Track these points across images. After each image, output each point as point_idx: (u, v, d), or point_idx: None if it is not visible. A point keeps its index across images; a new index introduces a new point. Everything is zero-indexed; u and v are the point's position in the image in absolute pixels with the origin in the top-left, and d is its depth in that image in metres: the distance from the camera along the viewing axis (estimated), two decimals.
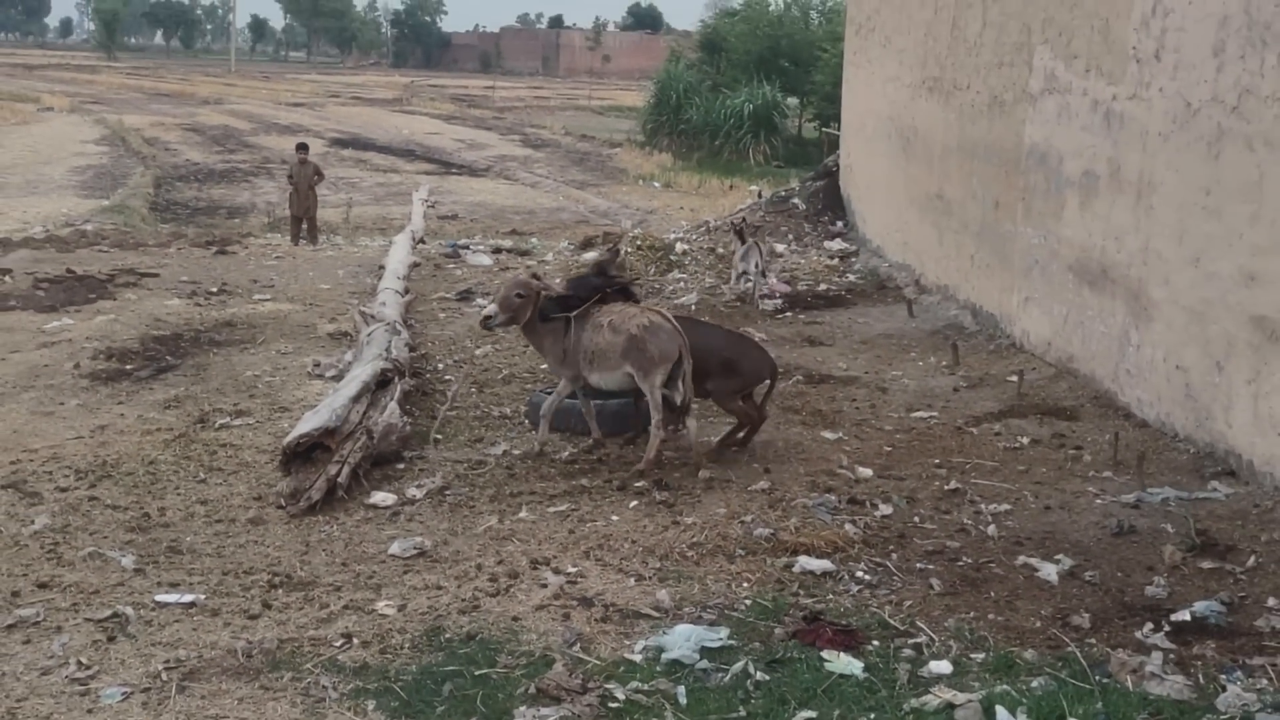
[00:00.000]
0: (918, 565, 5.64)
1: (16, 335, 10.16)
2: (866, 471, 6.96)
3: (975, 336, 10.59)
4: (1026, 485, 6.82)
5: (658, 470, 6.81)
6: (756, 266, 12.33)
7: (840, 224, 15.67)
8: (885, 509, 6.34)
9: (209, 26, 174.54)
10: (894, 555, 5.74)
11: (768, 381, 7.45)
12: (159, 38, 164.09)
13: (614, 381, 7.01)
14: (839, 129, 18.87)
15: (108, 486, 6.54)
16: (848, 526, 6.03)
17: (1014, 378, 9.03)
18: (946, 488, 6.73)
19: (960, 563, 5.69)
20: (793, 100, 40.26)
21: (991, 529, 6.11)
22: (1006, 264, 10.36)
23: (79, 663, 4.59)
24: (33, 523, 5.99)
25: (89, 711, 4.27)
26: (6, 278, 12.18)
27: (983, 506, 6.43)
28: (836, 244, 14.99)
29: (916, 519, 6.25)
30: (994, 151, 10.64)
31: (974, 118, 11.12)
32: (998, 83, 10.57)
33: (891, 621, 5.00)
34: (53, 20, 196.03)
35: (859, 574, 5.50)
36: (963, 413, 8.37)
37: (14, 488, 6.51)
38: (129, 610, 5.01)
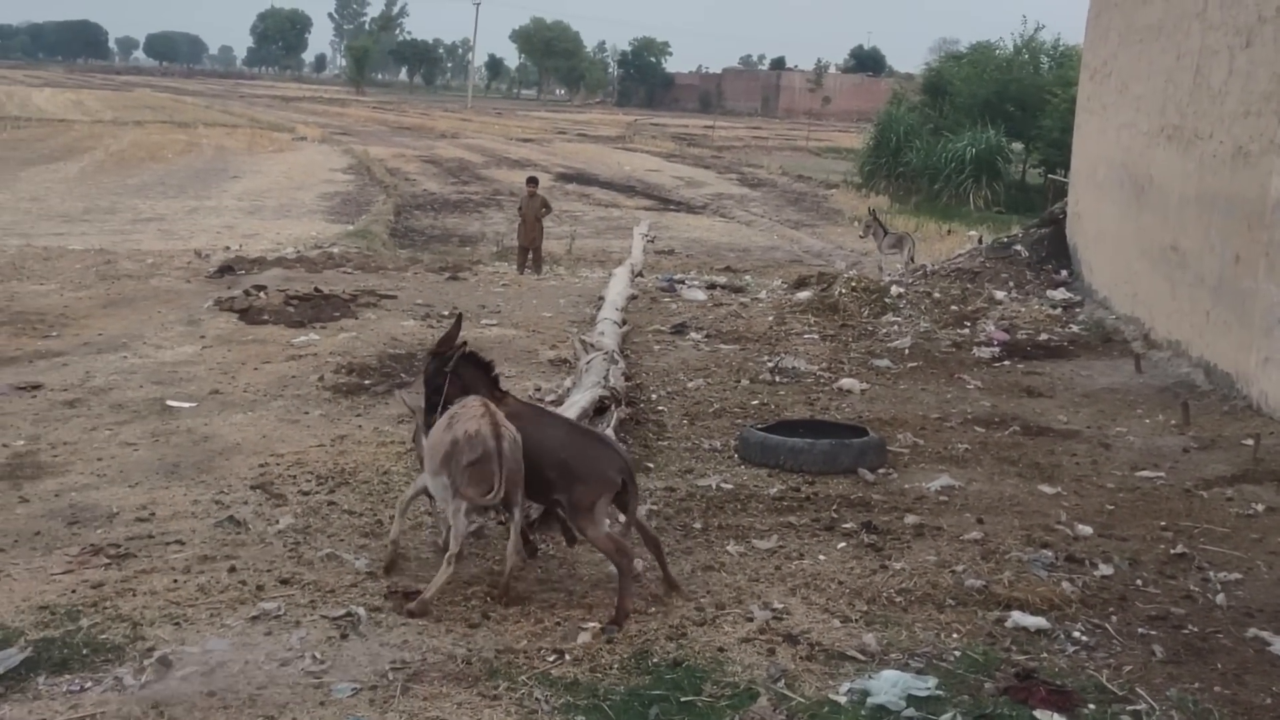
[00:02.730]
0: (1139, 630, 5.43)
1: (269, 347, 10.97)
2: (1086, 529, 6.73)
3: (1208, 396, 10.07)
4: (1260, 555, 6.46)
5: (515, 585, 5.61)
6: (911, 258, 14.91)
7: (1065, 273, 15.17)
8: (1106, 569, 6.13)
9: (449, 64, 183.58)
10: (1114, 618, 5.55)
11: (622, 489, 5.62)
12: (403, 74, 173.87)
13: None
14: (1066, 175, 18.32)
15: (345, 493, 6.99)
16: (1065, 584, 5.87)
17: (1249, 441, 8.55)
18: (1172, 551, 6.44)
19: (1185, 631, 5.45)
20: (1017, 145, 39.24)
21: (1220, 598, 5.83)
22: (1245, 321, 9.83)
23: (314, 657, 4.89)
24: (278, 522, 6.45)
25: (321, 704, 4.54)
26: (262, 294, 13.08)
27: (1211, 574, 6.13)
28: (1060, 293, 14.52)
29: (1139, 582, 6.02)
30: (1236, 204, 10.14)
31: (1215, 168, 10.63)
32: (1243, 133, 10.09)
33: (1109, 686, 4.84)
34: (309, 56, 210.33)
35: (1075, 634, 5.34)
36: (1192, 475, 7.98)
37: (262, 489, 7.03)
38: (361, 611, 5.32)
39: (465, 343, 6.13)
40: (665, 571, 5.72)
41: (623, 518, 5.76)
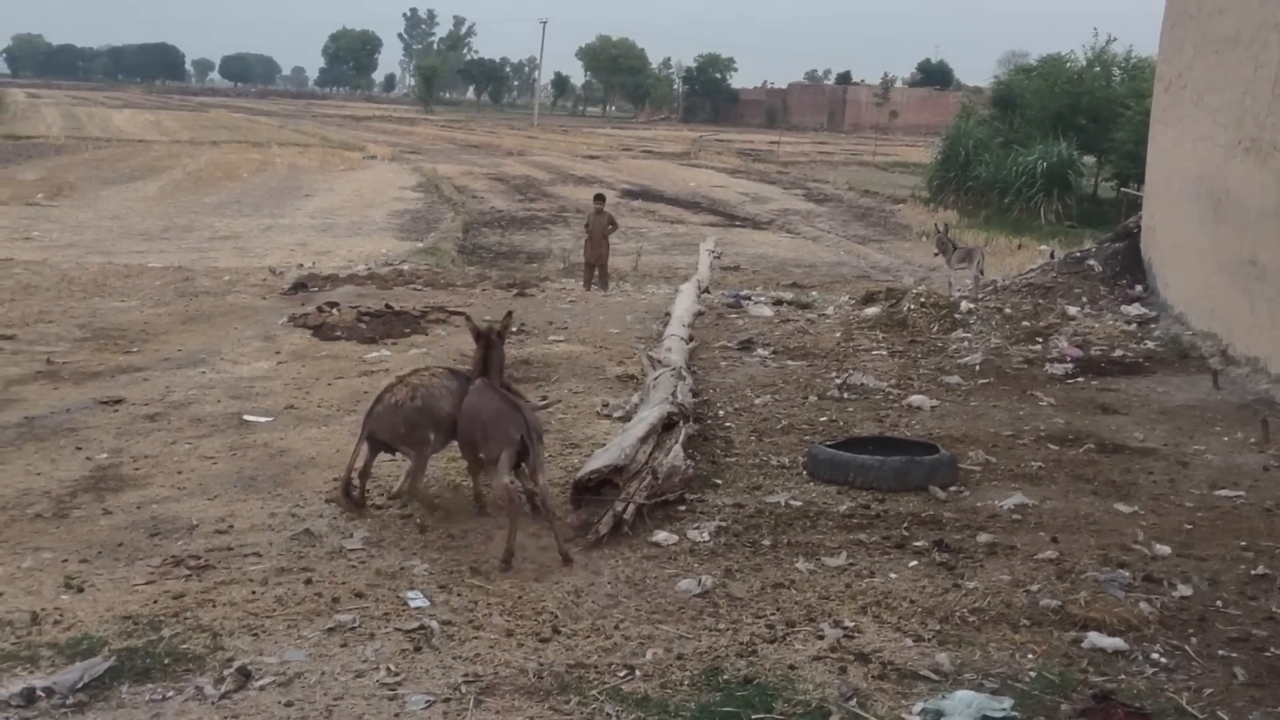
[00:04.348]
0: (1219, 652, 5.32)
1: (342, 363, 11.15)
2: (1164, 548, 6.60)
3: None
4: None
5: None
6: (980, 272, 15.36)
7: (1139, 288, 14.91)
8: (1185, 589, 6.01)
9: (516, 83, 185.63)
10: (1193, 639, 5.44)
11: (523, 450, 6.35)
12: (471, 93, 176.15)
13: None
14: (1139, 189, 18.05)
15: (416, 507, 7.06)
16: (1142, 605, 5.76)
17: None
18: (1254, 572, 6.30)
19: (1268, 653, 5.32)
20: (1089, 158, 38.71)
21: None
22: None
23: (388, 669, 4.96)
24: (352, 535, 6.55)
25: (395, 716, 4.60)
26: (334, 310, 13.28)
27: None
28: (1135, 309, 14.27)
29: (1219, 603, 5.89)
30: None
31: None
32: None
33: (1189, 709, 4.74)
34: (379, 75, 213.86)
35: (1154, 655, 5.24)
36: (1273, 493, 7.79)
37: (336, 503, 7.13)
38: (434, 624, 5.38)
39: (495, 338, 6.97)
40: (558, 543, 6.27)
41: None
